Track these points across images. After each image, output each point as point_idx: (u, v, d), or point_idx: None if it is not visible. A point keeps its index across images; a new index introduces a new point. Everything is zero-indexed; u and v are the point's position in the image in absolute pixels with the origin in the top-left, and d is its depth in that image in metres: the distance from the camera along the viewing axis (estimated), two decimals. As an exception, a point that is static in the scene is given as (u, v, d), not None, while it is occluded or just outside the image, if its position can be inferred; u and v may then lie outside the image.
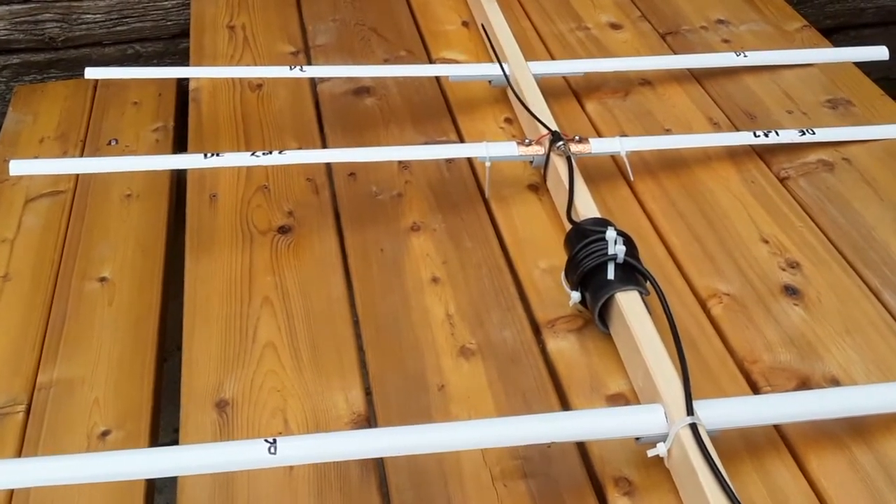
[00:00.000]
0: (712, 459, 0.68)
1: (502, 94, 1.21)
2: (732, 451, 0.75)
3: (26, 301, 1.15)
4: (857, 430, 0.77)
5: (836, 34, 1.99)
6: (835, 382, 0.82)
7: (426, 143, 1.14)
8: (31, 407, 1.01)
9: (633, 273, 0.85)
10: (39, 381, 1.04)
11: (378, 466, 0.76)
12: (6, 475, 0.68)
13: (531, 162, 1.05)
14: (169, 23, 1.76)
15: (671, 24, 1.37)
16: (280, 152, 1.00)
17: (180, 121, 1.46)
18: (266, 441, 0.68)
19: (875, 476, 0.74)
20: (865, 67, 1.26)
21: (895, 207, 1.01)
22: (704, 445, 0.69)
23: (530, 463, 0.76)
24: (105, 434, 0.98)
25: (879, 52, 1.26)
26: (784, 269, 0.94)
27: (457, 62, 1.30)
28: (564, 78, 1.24)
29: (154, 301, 1.14)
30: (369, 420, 0.81)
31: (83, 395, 1.02)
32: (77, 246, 1.23)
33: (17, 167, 0.97)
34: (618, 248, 0.83)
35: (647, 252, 0.94)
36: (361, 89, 1.24)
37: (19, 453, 0.97)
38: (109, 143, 1.44)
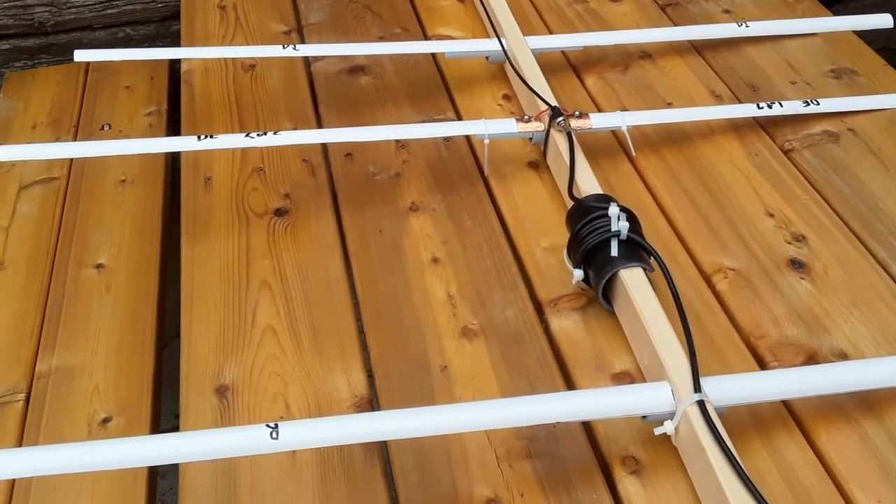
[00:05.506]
0: (721, 436, 0.67)
1: (499, 70, 1.19)
2: (740, 427, 0.74)
3: (23, 289, 1.14)
4: (867, 403, 0.76)
5: (836, 4, 1.96)
6: (843, 356, 0.81)
7: (423, 122, 1.12)
8: (31, 395, 1.00)
9: (637, 249, 0.83)
10: (38, 370, 1.03)
11: (382, 449, 0.76)
12: (7, 465, 0.67)
13: (531, 139, 1.04)
14: (159, 5, 1.73)
15: (671, -5, 1.34)
16: (275, 133, 0.98)
17: (173, 104, 1.44)
18: (268, 426, 0.67)
19: (885, 450, 0.73)
20: (865, 37, 1.24)
21: (901, 178, 1.00)
22: (713, 422, 0.68)
23: (536, 443, 0.75)
24: (106, 421, 0.97)
25: (883, 20, 1.24)
26: (790, 243, 0.93)
27: (453, 38, 1.28)
28: (563, 52, 1.22)
29: (152, 286, 1.13)
30: (372, 403, 0.80)
31: (83, 383, 1.01)
32: (72, 232, 1.21)
33: (7, 153, 0.95)
34: (621, 225, 0.82)
35: (650, 228, 0.93)
36: (356, 68, 1.22)
37: (20, 442, 0.96)
38: (102, 129, 1.42)
